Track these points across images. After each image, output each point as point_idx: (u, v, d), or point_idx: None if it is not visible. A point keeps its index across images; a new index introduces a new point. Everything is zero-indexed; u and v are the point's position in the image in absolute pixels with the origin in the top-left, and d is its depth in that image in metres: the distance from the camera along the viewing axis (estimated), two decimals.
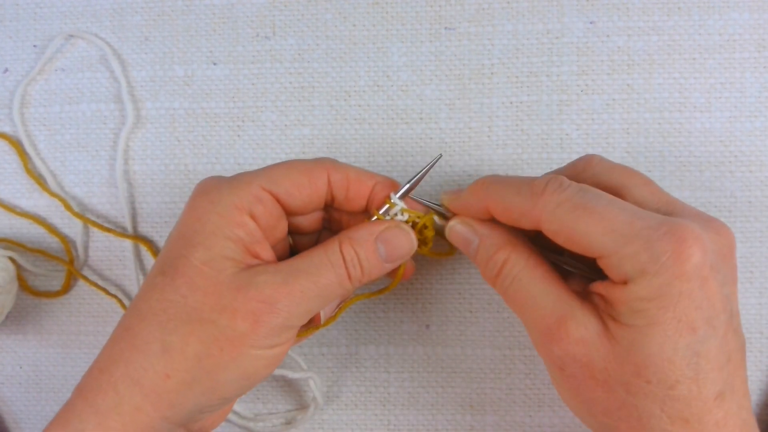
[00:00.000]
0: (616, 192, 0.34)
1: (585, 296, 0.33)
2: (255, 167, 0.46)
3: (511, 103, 0.45)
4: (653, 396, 0.30)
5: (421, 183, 0.39)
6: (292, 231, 0.39)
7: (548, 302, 0.33)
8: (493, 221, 0.37)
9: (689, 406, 0.30)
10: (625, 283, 0.31)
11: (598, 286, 0.33)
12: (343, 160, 0.46)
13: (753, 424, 0.32)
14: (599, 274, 0.33)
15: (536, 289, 0.34)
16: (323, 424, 0.47)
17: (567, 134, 0.45)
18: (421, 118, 0.46)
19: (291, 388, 0.47)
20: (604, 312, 0.32)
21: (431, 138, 0.46)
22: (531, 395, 0.45)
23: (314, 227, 0.40)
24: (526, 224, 0.34)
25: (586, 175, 0.36)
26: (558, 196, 0.32)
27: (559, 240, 0.33)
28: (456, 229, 0.38)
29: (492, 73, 0.45)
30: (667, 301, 0.30)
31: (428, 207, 0.39)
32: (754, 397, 0.45)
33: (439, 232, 0.41)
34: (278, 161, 0.46)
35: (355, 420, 0.47)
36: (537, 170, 0.45)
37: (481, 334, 0.46)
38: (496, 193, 0.35)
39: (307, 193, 0.37)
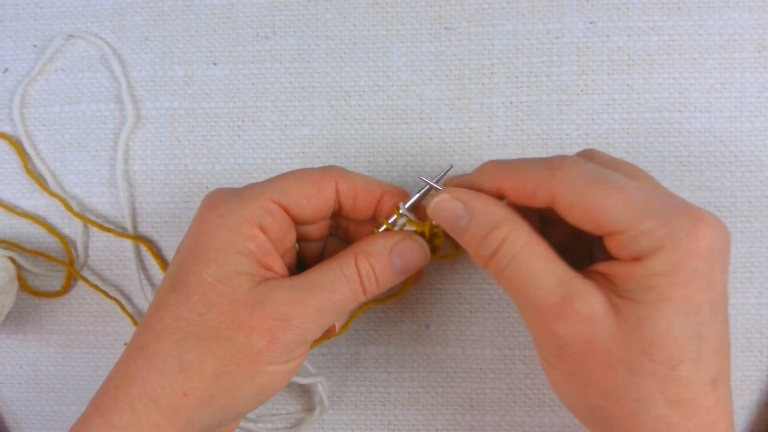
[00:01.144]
0: None
1: (586, 275, 0.32)
2: (255, 167, 0.46)
3: (511, 103, 0.45)
4: (654, 376, 0.30)
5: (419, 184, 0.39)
6: (299, 238, 0.39)
7: (551, 280, 0.31)
8: (484, 195, 0.35)
9: (687, 389, 0.30)
10: (635, 260, 0.30)
11: (601, 266, 0.32)
12: (343, 160, 0.46)
13: (732, 416, 0.32)
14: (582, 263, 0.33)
15: (538, 267, 0.32)
16: (323, 424, 0.47)
17: (567, 134, 0.45)
18: (421, 118, 0.46)
19: (294, 390, 0.47)
20: (608, 290, 0.31)
21: (431, 138, 0.45)
22: (531, 395, 0.45)
23: (321, 234, 0.40)
24: (540, 199, 0.33)
25: None
26: (577, 170, 0.32)
27: (573, 215, 0.32)
28: (444, 204, 0.34)
29: (492, 73, 0.45)
30: (679, 279, 0.30)
31: (433, 188, 0.37)
32: (754, 396, 0.45)
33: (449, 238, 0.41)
34: (278, 161, 0.46)
35: (355, 420, 0.47)
36: None
37: (481, 334, 0.45)
38: (510, 169, 0.34)
39: (315, 204, 0.36)
